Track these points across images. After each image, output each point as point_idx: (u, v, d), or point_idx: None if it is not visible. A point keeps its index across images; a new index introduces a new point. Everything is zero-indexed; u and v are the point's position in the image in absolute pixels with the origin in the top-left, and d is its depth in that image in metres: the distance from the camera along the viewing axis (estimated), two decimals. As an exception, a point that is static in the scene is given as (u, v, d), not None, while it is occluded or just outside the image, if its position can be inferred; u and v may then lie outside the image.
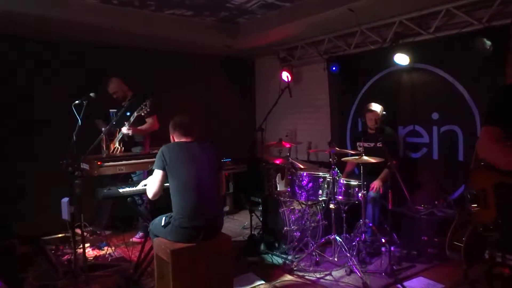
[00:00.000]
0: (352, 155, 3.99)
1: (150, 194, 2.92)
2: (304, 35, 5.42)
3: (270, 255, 4.08)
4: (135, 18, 4.62)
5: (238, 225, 5.36)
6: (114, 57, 5.32)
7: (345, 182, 3.93)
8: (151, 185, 2.93)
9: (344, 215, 3.92)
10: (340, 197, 3.91)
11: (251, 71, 7.20)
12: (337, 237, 3.78)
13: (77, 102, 3.39)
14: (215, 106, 6.38)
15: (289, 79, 5.75)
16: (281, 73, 5.90)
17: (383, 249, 3.91)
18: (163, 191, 2.95)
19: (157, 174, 2.89)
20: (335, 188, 3.89)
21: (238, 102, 6.88)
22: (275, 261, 3.96)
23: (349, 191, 3.91)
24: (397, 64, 4.52)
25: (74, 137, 3.29)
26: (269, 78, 6.77)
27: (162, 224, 2.89)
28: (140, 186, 3.30)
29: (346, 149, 4.67)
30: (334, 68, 5.26)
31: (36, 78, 4.83)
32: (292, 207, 4.20)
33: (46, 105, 4.77)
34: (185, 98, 5.83)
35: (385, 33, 4.76)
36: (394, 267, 3.52)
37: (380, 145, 3.97)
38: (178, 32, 5.07)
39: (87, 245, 4.21)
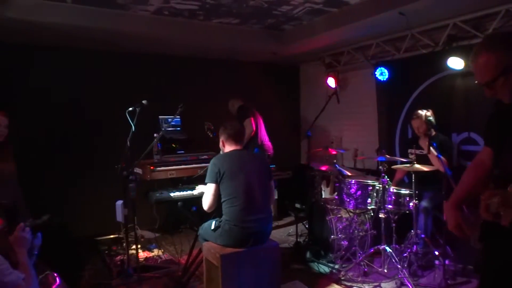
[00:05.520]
0: (402, 162, 3.86)
1: (205, 206, 3.01)
2: (351, 40, 5.34)
3: (316, 263, 4.02)
4: (185, 28, 4.76)
5: (283, 232, 5.33)
6: (164, 65, 5.53)
7: (395, 190, 3.81)
8: (206, 198, 3.00)
9: (394, 225, 3.79)
10: (390, 206, 3.78)
11: (296, 77, 7.20)
12: (387, 248, 3.66)
13: (130, 109, 3.54)
14: (260, 112, 6.42)
15: (335, 85, 5.68)
16: (327, 79, 5.84)
17: (436, 262, 3.73)
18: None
19: (211, 187, 2.95)
20: (385, 197, 3.77)
21: (283, 108, 6.88)
22: (321, 270, 3.90)
23: (400, 200, 3.78)
24: (451, 69, 4.32)
25: (128, 142, 3.43)
26: (314, 84, 6.72)
27: (212, 228, 2.95)
28: (190, 191, 3.39)
29: (395, 156, 4.52)
30: (382, 73, 5.13)
31: (91, 86, 5.08)
32: (340, 215, 4.12)
33: (102, 111, 5.00)
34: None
35: (437, 36, 4.58)
36: (448, 281, 3.35)
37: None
38: (225, 40, 5.16)
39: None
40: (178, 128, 5.18)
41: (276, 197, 6.00)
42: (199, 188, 3.70)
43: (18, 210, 3.11)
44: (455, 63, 4.20)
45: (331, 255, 4.02)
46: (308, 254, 4.16)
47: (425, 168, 3.62)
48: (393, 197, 3.78)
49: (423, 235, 3.82)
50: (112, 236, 4.76)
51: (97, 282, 3.59)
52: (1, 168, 3.00)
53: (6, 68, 4.38)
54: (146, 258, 4.18)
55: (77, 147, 4.91)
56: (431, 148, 3.72)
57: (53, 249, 2.70)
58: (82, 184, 4.89)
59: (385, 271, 3.65)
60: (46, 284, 2.46)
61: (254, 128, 5.13)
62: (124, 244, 3.97)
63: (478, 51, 1.68)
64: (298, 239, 4.42)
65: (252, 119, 5.13)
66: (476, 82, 1.73)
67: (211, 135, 4.48)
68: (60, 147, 4.77)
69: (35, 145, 4.46)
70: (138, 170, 3.41)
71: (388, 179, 3.81)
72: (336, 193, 4.37)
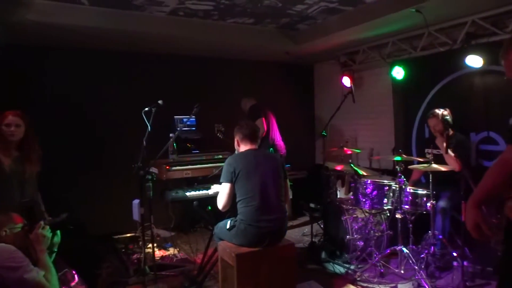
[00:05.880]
0: (419, 162, 3.81)
1: (220, 206, 3.02)
2: (367, 39, 5.30)
3: (331, 263, 4.00)
4: (200, 28, 4.79)
5: (297, 231, 5.31)
6: (179, 66, 5.57)
7: (412, 191, 3.76)
8: (221, 198, 3.00)
9: (410, 225, 3.74)
10: (407, 207, 3.73)
11: (310, 77, 7.16)
12: (404, 248, 3.61)
13: (146, 109, 3.58)
14: (274, 112, 6.41)
15: (350, 84, 5.63)
16: (342, 78, 5.80)
17: (454, 263, 3.67)
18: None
19: (226, 187, 2.96)
20: (402, 197, 3.73)
21: (297, 107, 6.86)
22: (336, 270, 3.87)
23: (417, 200, 3.72)
24: (469, 67, 4.24)
25: (144, 142, 3.47)
26: (328, 83, 6.69)
27: (227, 227, 2.96)
28: (205, 191, 3.40)
29: (411, 156, 4.46)
30: (398, 72, 5.07)
31: (107, 86, 5.14)
32: (355, 215, 4.09)
33: (118, 111, 5.06)
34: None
35: (455, 34, 4.50)
36: (467, 283, 3.29)
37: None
38: (239, 40, 5.17)
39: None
40: (193, 128, 5.22)
41: (291, 197, 6.00)
42: (214, 188, 3.72)
43: (38, 209, 3.19)
44: (474, 61, 4.13)
45: (346, 255, 3.99)
46: (323, 254, 4.14)
47: (442, 168, 3.56)
48: (410, 198, 3.73)
49: (440, 236, 3.77)
50: (128, 235, 4.81)
51: (114, 280, 3.63)
52: (23, 167, 3.05)
53: (24, 69, 4.47)
54: (162, 257, 4.22)
55: (94, 147, 4.97)
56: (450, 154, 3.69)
57: (71, 247, 2.74)
58: (99, 183, 4.95)
59: (402, 272, 3.60)
60: (65, 281, 2.51)
61: (266, 128, 5.12)
62: (141, 243, 4.02)
63: (508, 47, 1.64)
64: (313, 239, 4.40)
65: (263, 119, 5.12)
66: (505, 78, 1.70)
67: (221, 137, 4.50)
68: (79, 147, 4.84)
69: (53, 145, 4.53)
70: (154, 170, 3.44)
71: (404, 179, 3.76)
72: (351, 193, 4.34)
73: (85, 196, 4.78)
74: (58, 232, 2.51)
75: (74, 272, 2.64)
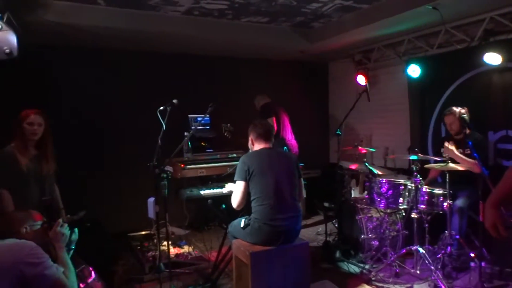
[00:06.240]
0: (436, 161, 3.75)
1: (234, 204, 3.03)
2: (382, 37, 5.24)
3: (346, 263, 3.98)
4: (214, 27, 4.80)
5: (311, 231, 5.30)
6: (194, 65, 5.60)
7: (428, 190, 3.71)
8: (235, 196, 3.01)
9: (426, 225, 3.70)
10: (423, 206, 3.69)
11: (325, 75, 7.12)
12: (420, 248, 3.57)
13: (161, 108, 3.61)
14: (288, 110, 6.40)
15: (365, 83, 5.58)
16: (356, 76, 5.75)
17: (472, 264, 3.61)
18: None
19: (240, 185, 2.97)
20: (417, 196, 3.68)
21: (311, 106, 6.84)
22: (351, 270, 3.85)
23: (433, 200, 3.68)
24: (487, 64, 4.17)
25: (159, 141, 3.50)
26: (343, 81, 6.64)
27: (242, 225, 2.97)
28: (219, 189, 3.42)
29: (428, 155, 4.40)
30: (414, 70, 5.00)
31: (123, 86, 5.19)
32: (370, 215, 4.06)
33: (133, 110, 5.12)
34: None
35: (473, 31, 4.42)
36: (485, 284, 3.24)
37: (469, 151, 3.69)
38: (254, 39, 5.17)
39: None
40: (208, 127, 5.25)
41: (304, 195, 5.98)
42: (228, 186, 3.73)
43: (56, 206, 3.25)
44: (492, 58, 4.05)
45: (361, 255, 3.97)
46: (337, 254, 4.12)
47: (459, 167, 3.51)
48: (426, 197, 3.69)
49: (457, 236, 3.70)
50: (143, 233, 4.86)
51: (129, 277, 3.69)
52: (41, 166, 3.11)
53: (39, 69, 4.53)
54: (177, 255, 4.26)
55: (111, 146, 5.05)
56: (455, 150, 3.65)
57: (88, 244, 2.79)
58: (115, 181, 5.03)
59: (418, 272, 3.56)
60: (82, 277, 2.55)
61: (276, 128, 5.10)
62: (156, 240, 4.06)
63: None
64: (327, 238, 4.38)
65: (274, 118, 5.10)
66: None
67: (229, 136, 4.50)
68: (96, 145, 4.91)
69: (71, 144, 4.60)
70: (169, 168, 3.46)
71: (420, 178, 3.71)
72: (366, 192, 4.30)
73: (101, 194, 4.84)
74: (76, 229, 2.56)
75: (91, 268, 2.69)
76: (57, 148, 3.31)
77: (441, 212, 3.66)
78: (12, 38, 3.02)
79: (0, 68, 3.50)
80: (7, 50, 3.00)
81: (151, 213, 3.71)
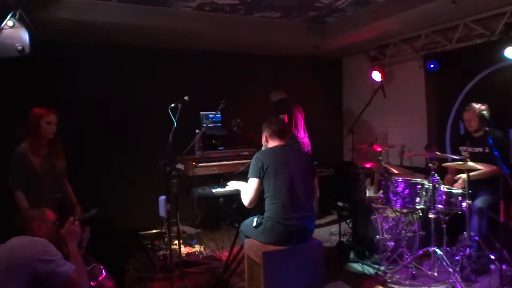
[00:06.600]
0: (454, 160, 3.63)
1: (246, 202, 2.96)
2: (399, 31, 5.11)
3: (360, 264, 3.89)
4: (226, 23, 4.75)
5: (325, 230, 5.21)
6: (205, 61, 5.55)
7: (446, 190, 3.59)
8: (247, 193, 2.94)
9: (444, 226, 3.58)
10: (441, 206, 3.57)
11: (339, 71, 7.01)
12: (437, 250, 3.46)
13: (172, 105, 3.57)
14: (301, 107, 6.32)
15: (381, 79, 5.46)
16: (371, 72, 5.63)
17: (492, 266, 3.48)
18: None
19: (253, 182, 2.90)
20: (435, 196, 3.57)
21: (325, 103, 6.73)
22: (366, 271, 3.76)
23: (451, 200, 3.56)
24: (508, 59, 4.03)
25: (170, 138, 3.46)
26: (357, 78, 6.52)
27: (254, 224, 2.91)
28: (231, 188, 3.36)
29: (445, 153, 4.28)
30: (432, 66, 4.87)
31: (134, 82, 5.16)
32: (386, 215, 3.96)
33: (144, 107, 5.11)
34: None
35: (493, 25, 4.28)
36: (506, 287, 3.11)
37: (488, 150, 3.55)
38: (266, 34, 5.10)
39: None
40: (219, 124, 5.19)
41: (318, 195, 5.90)
42: (232, 184, 3.62)
43: (69, 202, 3.25)
44: (514, 53, 3.91)
45: (376, 256, 3.87)
46: (351, 254, 4.03)
47: (479, 167, 3.38)
48: (444, 197, 3.57)
49: (476, 238, 3.58)
50: (154, 231, 4.85)
51: (141, 276, 3.66)
52: (53, 164, 3.11)
53: (52, 65, 4.54)
54: (188, 254, 4.23)
55: (122, 144, 5.04)
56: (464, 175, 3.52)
57: (99, 243, 2.77)
58: (126, 179, 5.02)
59: (435, 274, 3.45)
60: (93, 275, 2.53)
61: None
62: (167, 239, 4.03)
63: None
64: (341, 239, 4.30)
65: (286, 116, 5.00)
66: None
67: (239, 132, 4.42)
68: (107, 143, 4.91)
69: (82, 141, 4.61)
70: (180, 166, 3.43)
71: (438, 178, 3.59)
72: (381, 191, 4.20)
73: (112, 192, 4.84)
74: (88, 228, 2.54)
75: (102, 267, 2.67)
76: (69, 145, 3.31)
77: (459, 212, 3.53)
78: (24, 35, 3.03)
79: (13, 65, 3.52)
80: (19, 47, 3.02)
81: (162, 212, 3.69)
